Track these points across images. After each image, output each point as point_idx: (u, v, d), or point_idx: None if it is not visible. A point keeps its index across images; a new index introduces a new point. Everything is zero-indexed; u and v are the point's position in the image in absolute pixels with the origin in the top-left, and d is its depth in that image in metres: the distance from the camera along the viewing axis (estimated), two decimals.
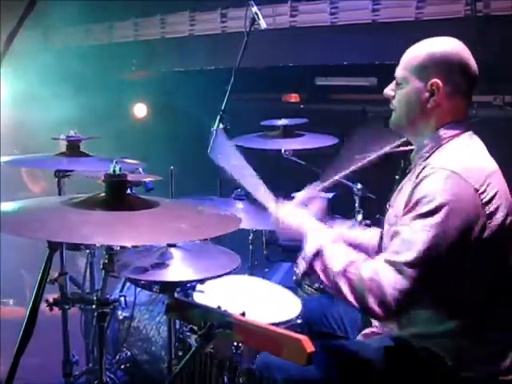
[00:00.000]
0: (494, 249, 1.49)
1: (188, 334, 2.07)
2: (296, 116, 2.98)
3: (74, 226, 1.32)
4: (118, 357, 2.46)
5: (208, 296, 2.06)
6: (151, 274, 1.90)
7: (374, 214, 2.61)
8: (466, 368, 1.53)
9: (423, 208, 1.45)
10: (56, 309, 2.02)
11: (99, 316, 1.66)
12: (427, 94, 1.59)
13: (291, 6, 4.01)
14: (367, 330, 1.80)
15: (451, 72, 1.57)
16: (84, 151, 2.32)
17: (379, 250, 1.80)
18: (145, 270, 1.90)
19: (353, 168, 1.89)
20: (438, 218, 1.42)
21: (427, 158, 1.60)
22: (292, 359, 1.10)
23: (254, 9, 2.93)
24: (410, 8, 3.49)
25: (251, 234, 2.74)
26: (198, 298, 2.07)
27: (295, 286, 2.46)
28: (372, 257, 1.55)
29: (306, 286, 2.40)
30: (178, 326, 2.08)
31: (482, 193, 1.46)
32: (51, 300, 1.97)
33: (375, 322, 1.80)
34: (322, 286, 2.26)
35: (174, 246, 2.02)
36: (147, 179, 2.16)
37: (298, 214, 1.72)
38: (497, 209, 1.48)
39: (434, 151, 1.59)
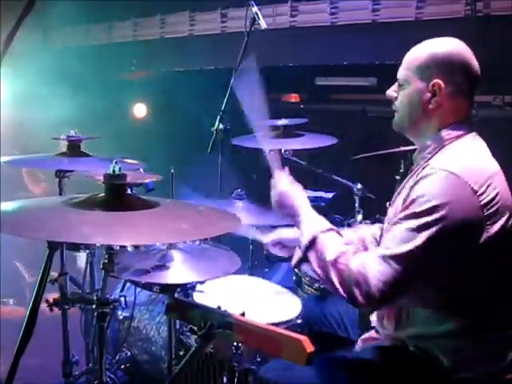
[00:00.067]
0: (495, 250, 1.49)
1: (188, 334, 2.07)
2: (296, 116, 2.97)
3: (74, 226, 1.32)
4: (118, 357, 2.46)
5: (208, 296, 2.06)
6: (152, 276, 1.89)
7: (374, 214, 2.61)
8: (466, 368, 1.53)
9: (419, 207, 1.45)
10: (56, 309, 2.02)
11: (99, 316, 1.66)
12: (429, 95, 1.59)
13: (291, 5, 4.01)
14: (366, 335, 1.80)
15: (453, 72, 1.57)
16: (84, 151, 2.32)
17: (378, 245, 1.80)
18: (146, 272, 1.89)
19: None
20: (432, 218, 1.42)
21: (429, 159, 1.60)
22: (292, 359, 1.10)
23: (254, 9, 2.93)
24: (409, 8, 3.49)
25: None
26: (198, 298, 2.07)
27: (295, 286, 2.46)
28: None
29: (306, 286, 2.39)
30: (177, 326, 2.08)
31: (481, 194, 1.45)
32: (51, 300, 1.97)
33: (374, 321, 1.79)
34: (321, 286, 2.26)
35: (174, 247, 2.02)
36: (147, 179, 2.16)
37: (297, 196, 1.74)
38: (497, 210, 1.47)
39: (436, 152, 1.59)
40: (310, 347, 1.08)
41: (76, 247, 2.22)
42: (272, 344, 1.12)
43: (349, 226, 2.66)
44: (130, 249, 2.00)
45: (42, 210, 1.47)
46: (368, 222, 2.60)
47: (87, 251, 2.28)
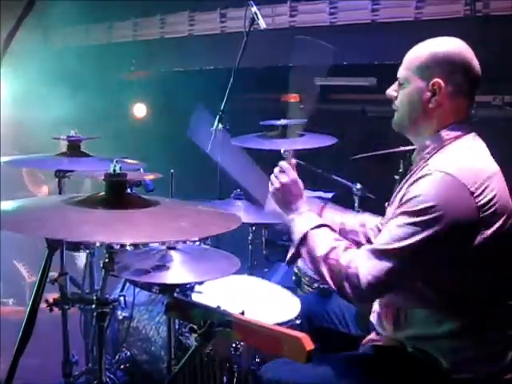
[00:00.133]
0: (494, 251, 1.49)
1: (187, 334, 2.06)
2: (296, 116, 2.97)
3: (74, 225, 1.32)
4: (117, 357, 2.46)
5: (207, 296, 2.06)
6: (151, 276, 1.89)
7: (374, 214, 2.61)
8: (465, 369, 1.53)
9: (414, 207, 1.46)
10: (56, 309, 2.02)
11: (99, 316, 1.66)
12: (429, 94, 1.58)
13: (290, 6, 4.01)
14: (367, 338, 1.80)
15: (453, 72, 1.57)
16: (84, 151, 2.32)
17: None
18: (145, 272, 1.89)
19: None
20: (426, 218, 1.43)
21: (428, 160, 1.60)
22: (292, 357, 1.10)
23: (254, 9, 2.94)
24: (409, 8, 3.49)
25: (250, 234, 2.73)
26: (198, 298, 2.07)
27: (295, 286, 2.46)
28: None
29: (306, 286, 2.39)
30: (177, 326, 2.08)
31: (478, 196, 1.45)
32: (51, 300, 1.97)
33: (373, 322, 1.79)
34: (321, 286, 2.26)
35: (173, 248, 2.02)
36: (147, 178, 2.16)
37: (299, 192, 1.76)
38: (494, 212, 1.47)
39: (435, 152, 1.59)
40: (309, 345, 1.08)
41: (76, 247, 2.22)
42: (271, 342, 1.12)
43: None
44: (129, 248, 2.00)
45: (42, 208, 1.47)
46: None
47: (87, 251, 2.28)
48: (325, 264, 1.56)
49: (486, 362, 1.54)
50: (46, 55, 4.77)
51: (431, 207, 1.43)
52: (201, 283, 2.02)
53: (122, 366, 2.45)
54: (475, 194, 1.45)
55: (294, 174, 1.79)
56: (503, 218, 1.49)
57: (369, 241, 1.89)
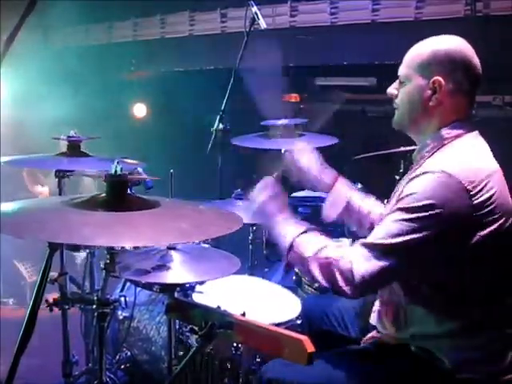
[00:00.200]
0: (492, 250, 1.49)
1: (188, 334, 2.07)
2: (296, 116, 2.97)
3: (75, 227, 1.32)
4: (117, 357, 2.46)
5: (208, 296, 2.06)
6: (152, 276, 1.89)
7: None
8: (467, 368, 1.53)
9: (410, 203, 1.46)
10: (56, 309, 2.02)
11: (99, 316, 1.65)
12: (429, 92, 1.58)
13: (291, 6, 4.02)
14: (368, 336, 1.80)
15: (454, 70, 1.57)
16: (84, 151, 2.31)
17: None
18: (146, 272, 1.89)
19: None
20: (421, 215, 1.43)
21: (428, 158, 1.60)
22: (293, 359, 1.10)
23: (254, 9, 2.93)
24: (409, 8, 3.50)
25: (251, 234, 2.73)
26: (198, 298, 2.07)
27: (295, 286, 2.46)
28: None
29: (306, 286, 2.40)
30: (177, 326, 2.08)
31: (475, 194, 1.45)
32: (51, 300, 1.97)
33: (374, 321, 1.79)
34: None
35: (174, 248, 2.02)
36: (145, 178, 2.16)
37: (278, 209, 1.76)
38: (492, 211, 1.47)
39: (435, 151, 1.59)
40: (310, 347, 1.08)
41: (76, 247, 2.22)
42: (273, 344, 1.12)
43: (349, 226, 2.66)
44: (129, 248, 2.00)
45: (43, 210, 1.47)
46: None
47: (87, 251, 2.28)
48: (314, 262, 1.57)
49: (487, 362, 1.53)
50: (46, 55, 4.77)
51: (427, 205, 1.43)
52: (201, 283, 2.02)
53: (122, 366, 2.45)
54: (472, 193, 1.45)
55: (274, 190, 1.78)
56: (502, 217, 1.49)
57: (372, 227, 1.90)
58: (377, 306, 1.76)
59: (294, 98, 4.79)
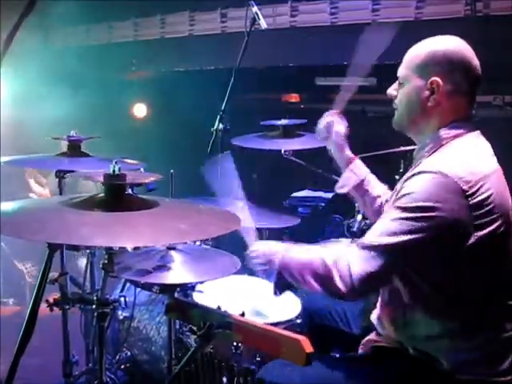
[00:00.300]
0: (489, 250, 1.49)
1: (188, 334, 2.07)
2: (296, 116, 2.97)
3: (74, 227, 1.32)
4: (118, 357, 2.46)
5: (208, 296, 2.06)
6: (152, 277, 1.90)
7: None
8: (466, 370, 1.53)
9: (405, 203, 1.47)
10: (56, 309, 2.02)
11: (99, 316, 1.66)
12: (427, 93, 1.59)
13: (291, 6, 4.01)
14: (367, 338, 1.80)
15: (452, 71, 1.57)
16: (84, 151, 2.32)
17: None
18: (146, 273, 1.90)
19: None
20: (417, 215, 1.44)
21: (428, 157, 1.60)
22: (291, 359, 1.11)
23: (254, 9, 2.93)
24: (409, 8, 3.49)
25: None
26: (198, 298, 2.07)
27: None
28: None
29: None
30: (177, 327, 2.08)
31: (472, 195, 1.45)
32: (51, 300, 1.97)
33: (374, 322, 1.79)
34: None
35: (174, 249, 2.02)
36: (147, 179, 2.16)
37: (269, 244, 1.77)
38: (489, 211, 1.47)
39: (434, 151, 1.59)
40: (308, 347, 1.08)
41: (76, 247, 2.22)
42: (271, 344, 1.12)
43: (349, 226, 2.66)
44: (129, 249, 2.00)
45: (42, 210, 1.47)
46: (368, 222, 2.60)
47: (87, 251, 2.28)
48: (307, 269, 1.57)
49: (486, 364, 1.53)
50: (47, 55, 4.76)
51: (423, 205, 1.43)
52: (201, 283, 2.02)
53: (122, 366, 2.46)
54: (468, 193, 1.45)
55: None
56: (500, 218, 1.49)
57: (375, 210, 1.94)
58: (378, 305, 1.76)
59: (294, 98, 4.79)
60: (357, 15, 3.72)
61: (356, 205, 2.77)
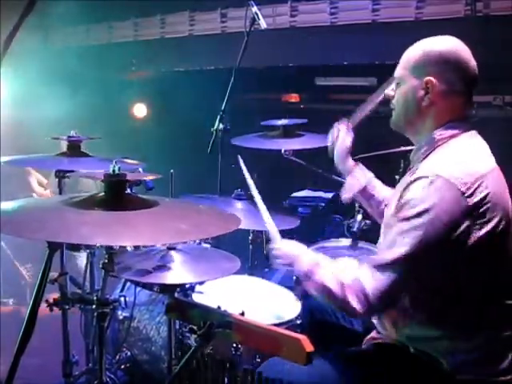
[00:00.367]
0: (488, 249, 1.49)
1: (188, 334, 2.07)
2: (296, 116, 2.98)
3: (74, 227, 1.32)
4: (118, 357, 2.46)
5: (208, 296, 2.06)
6: (152, 276, 1.89)
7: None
8: (466, 370, 1.53)
9: (408, 212, 1.47)
10: (56, 309, 2.02)
11: (99, 316, 1.66)
12: (422, 92, 1.59)
13: (291, 6, 4.01)
14: (368, 336, 1.80)
15: (446, 71, 1.57)
16: (84, 151, 2.32)
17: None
18: (146, 273, 1.89)
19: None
20: (420, 221, 1.44)
21: (424, 159, 1.60)
22: (291, 359, 1.11)
23: (254, 9, 2.93)
24: (409, 8, 3.49)
25: (251, 234, 2.73)
26: (198, 298, 2.07)
27: (295, 286, 2.46)
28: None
29: None
30: (177, 327, 2.08)
31: (470, 196, 1.45)
32: (51, 300, 1.97)
33: (375, 321, 1.79)
34: None
35: (174, 248, 2.02)
36: (147, 178, 2.16)
37: (295, 245, 1.77)
38: (487, 210, 1.47)
39: (430, 152, 1.59)
40: (309, 347, 1.08)
41: (76, 247, 2.22)
42: (271, 343, 1.13)
43: (349, 226, 2.67)
44: (129, 249, 2.00)
45: (42, 209, 1.47)
46: (368, 222, 2.60)
47: (87, 251, 2.28)
48: (326, 290, 1.56)
49: (486, 363, 1.53)
50: (46, 55, 4.77)
51: (423, 211, 1.44)
52: (201, 283, 2.02)
53: (122, 366, 2.45)
54: (466, 194, 1.45)
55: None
56: (498, 217, 1.49)
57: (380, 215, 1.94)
58: None
59: (293, 98, 4.79)
60: (357, 15, 3.72)
61: (356, 205, 2.77)
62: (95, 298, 1.66)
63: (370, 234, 2.45)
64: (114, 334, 2.51)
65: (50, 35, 5.32)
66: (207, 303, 1.44)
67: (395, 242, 1.47)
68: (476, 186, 1.46)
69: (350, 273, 1.54)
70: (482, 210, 1.46)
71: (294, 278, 2.46)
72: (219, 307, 1.36)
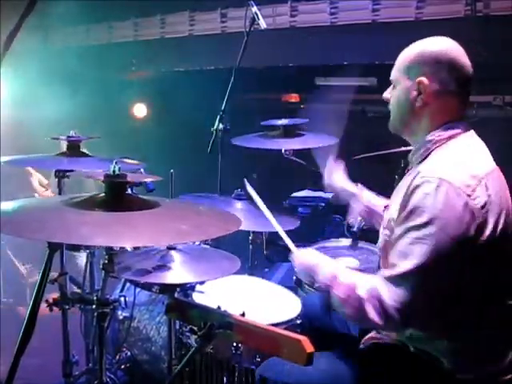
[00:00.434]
0: (489, 250, 1.48)
1: (188, 334, 2.07)
2: (296, 116, 2.98)
3: (74, 227, 1.32)
4: (118, 357, 2.46)
5: (208, 296, 2.06)
6: (152, 276, 1.89)
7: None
8: (466, 369, 1.53)
9: (416, 220, 1.45)
10: (56, 309, 2.02)
11: (99, 316, 1.66)
12: (415, 93, 1.59)
13: (291, 6, 4.01)
14: (368, 336, 1.80)
15: (438, 71, 1.57)
16: (84, 151, 2.32)
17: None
18: (146, 273, 1.89)
19: None
20: (430, 229, 1.42)
21: (422, 161, 1.60)
22: (292, 359, 1.11)
23: (254, 9, 2.93)
24: (409, 8, 3.49)
25: (251, 234, 2.73)
26: (198, 298, 2.07)
27: (295, 286, 2.46)
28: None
29: (306, 286, 2.39)
30: (177, 327, 2.08)
31: (474, 198, 1.45)
32: (51, 300, 1.97)
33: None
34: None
35: (174, 248, 2.02)
36: (147, 179, 2.16)
37: (313, 254, 1.75)
38: (490, 211, 1.47)
39: (429, 153, 1.59)
40: (309, 347, 1.08)
41: (76, 247, 2.22)
42: (272, 344, 1.12)
43: (349, 226, 2.67)
44: (129, 249, 2.00)
45: (42, 209, 1.47)
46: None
47: (87, 251, 2.28)
48: (347, 305, 1.52)
49: (486, 363, 1.53)
50: (46, 55, 4.77)
51: (432, 218, 1.42)
52: (201, 283, 2.02)
53: (122, 366, 2.46)
54: (472, 197, 1.45)
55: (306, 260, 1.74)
56: (499, 217, 1.49)
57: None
58: None
59: (293, 98, 4.79)
60: (357, 15, 3.72)
61: None
62: (95, 298, 1.66)
63: (370, 234, 2.45)
64: (114, 334, 2.51)
65: (50, 35, 5.32)
66: (207, 303, 1.44)
67: (408, 253, 1.45)
68: (479, 187, 1.46)
69: (367, 285, 1.50)
70: (484, 210, 1.46)
71: (294, 278, 2.46)
72: (219, 307, 1.36)
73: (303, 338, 1.08)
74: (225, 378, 1.94)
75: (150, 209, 1.44)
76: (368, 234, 2.55)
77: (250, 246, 2.73)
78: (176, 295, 1.98)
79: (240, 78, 2.94)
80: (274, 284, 2.45)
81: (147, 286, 2.04)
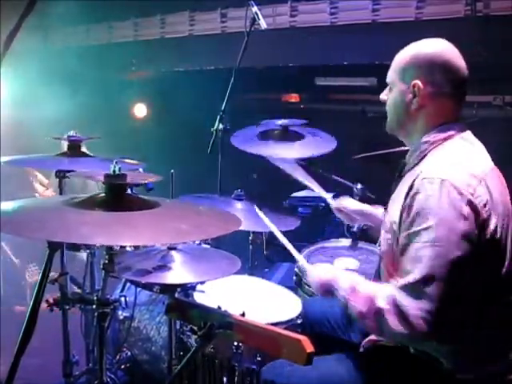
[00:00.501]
0: (489, 249, 1.48)
1: (188, 334, 2.07)
2: (296, 116, 2.98)
3: (74, 226, 1.32)
4: (118, 357, 2.46)
5: (208, 296, 2.06)
6: (152, 276, 1.89)
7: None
8: (466, 369, 1.53)
9: (422, 223, 1.45)
10: (56, 309, 2.02)
11: (99, 316, 1.66)
12: (410, 96, 1.60)
13: (291, 6, 4.01)
14: (368, 339, 1.79)
15: (433, 73, 1.57)
16: (84, 151, 2.32)
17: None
18: (146, 273, 1.89)
19: None
20: (438, 231, 1.42)
21: (419, 162, 1.60)
22: (292, 359, 1.11)
23: (254, 9, 2.93)
24: (409, 8, 3.49)
25: (251, 235, 2.73)
26: (199, 298, 2.07)
27: (295, 286, 2.46)
28: None
29: (306, 286, 2.39)
30: (178, 327, 2.08)
31: (476, 197, 1.45)
32: (51, 300, 1.97)
33: None
34: None
35: (174, 249, 2.02)
36: (147, 179, 2.16)
37: (327, 269, 1.74)
38: (489, 211, 1.47)
39: (425, 154, 1.59)
40: (309, 347, 1.08)
41: (76, 247, 2.23)
42: (272, 344, 1.12)
43: (349, 226, 2.67)
44: (129, 249, 2.00)
45: (42, 209, 1.47)
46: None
47: (87, 251, 2.28)
48: (367, 319, 1.50)
49: (487, 363, 1.53)
50: (46, 55, 4.78)
51: (438, 220, 1.42)
52: (202, 283, 2.02)
53: (122, 366, 2.46)
54: (473, 196, 1.45)
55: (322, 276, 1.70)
56: (499, 216, 1.49)
57: None
58: None
59: (294, 98, 4.80)
60: (357, 15, 3.72)
61: None
62: (95, 298, 1.66)
63: (370, 234, 2.45)
64: (114, 334, 2.51)
65: (50, 35, 5.32)
66: (208, 303, 1.44)
67: (419, 258, 1.43)
68: (479, 186, 1.47)
69: (386, 295, 1.47)
70: (485, 209, 1.46)
71: (294, 278, 2.47)
72: (219, 307, 1.36)
73: (303, 338, 1.08)
74: (225, 378, 1.94)
75: (150, 209, 1.44)
76: (368, 234, 2.55)
77: (250, 246, 2.74)
78: (176, 295, 1.98)
79: (240, 78, 2.94)
80: (274, 284, 2.45)
81: (148, 286, 2.04)
